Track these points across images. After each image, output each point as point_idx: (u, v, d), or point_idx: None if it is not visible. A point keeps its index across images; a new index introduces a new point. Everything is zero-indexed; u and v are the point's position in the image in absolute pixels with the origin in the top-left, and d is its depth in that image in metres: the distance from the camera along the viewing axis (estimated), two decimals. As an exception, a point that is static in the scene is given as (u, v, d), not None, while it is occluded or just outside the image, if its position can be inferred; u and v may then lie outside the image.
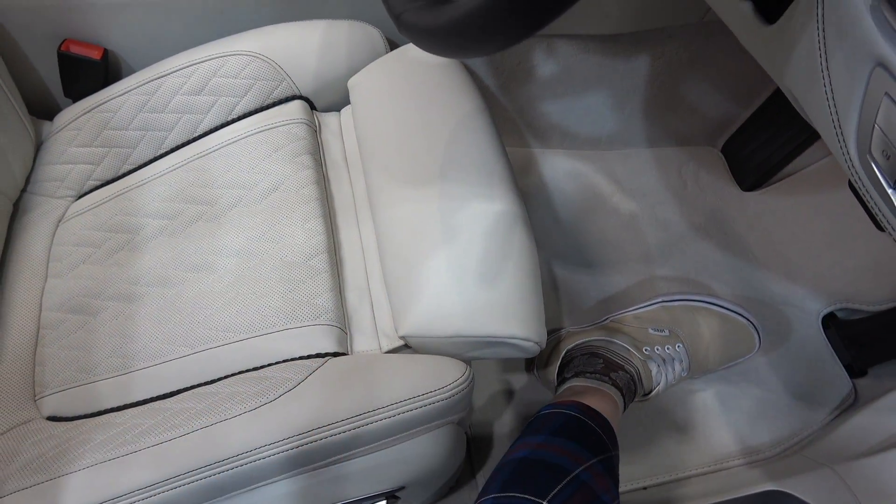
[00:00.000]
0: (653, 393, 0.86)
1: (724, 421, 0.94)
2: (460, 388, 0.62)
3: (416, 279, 0.66)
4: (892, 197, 0.40)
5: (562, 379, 0.86)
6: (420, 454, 0.66)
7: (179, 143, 0.85)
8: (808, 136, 1.03)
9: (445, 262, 0.66)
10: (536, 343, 0.65)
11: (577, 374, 0.83)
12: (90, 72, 0.86)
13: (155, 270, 0.75)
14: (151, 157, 0.85)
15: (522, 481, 0.59)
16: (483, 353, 0.67)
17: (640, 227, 1.11)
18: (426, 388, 0.61)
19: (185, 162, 0.82)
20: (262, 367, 0.67)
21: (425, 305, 0.65)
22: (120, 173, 0.85)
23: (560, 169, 1.16)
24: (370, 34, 0.87)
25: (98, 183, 0.85)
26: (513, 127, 1.14)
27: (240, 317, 0.69)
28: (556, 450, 0.63)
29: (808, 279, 1.04)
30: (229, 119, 0.84)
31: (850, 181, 0.47)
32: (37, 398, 0.70)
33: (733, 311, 0.94)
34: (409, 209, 0.70)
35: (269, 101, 0.85)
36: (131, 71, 0.90)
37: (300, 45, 0.84)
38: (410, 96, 0.79)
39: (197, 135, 0.85)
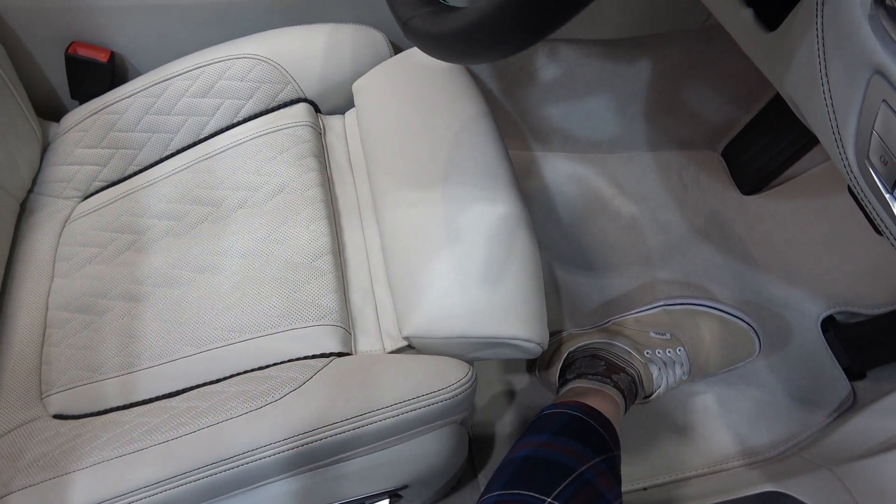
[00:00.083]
0: (653, 395, 0.87)
1: (723, 423, 0.95)
2: (463, 388, 0.63)
3: (420, 280, 0.67)
4: (890, 201, 0.41)
5: (563, 380, 0.86)
6: (423, 453, 0.67)
7: (185, 144, 0.85)
8: (807, 140, 1.03)
9: (449, 264, 0.66)
10: (539, 344, 0.66)
11: (579, 376, 0.84)
12: (97, 74, 0.87)
13: (161, 271, 0.76)
14: (157, 158, 0.86)
15: (527, 479, 0.60)
16: (486, 354, 0.68)
17: (641, 229, 1.12)
18: (430, 388, 0.62)
19: (190, 163, 0.83)
20: (266, 366, 0.68)
21: (429, 306, 0.65)
22: (126, 174, 0.86)
23: (562, 172, 1.17)
24: (374, 38, 0.88)
25: (104, 184, 0.86)
26: (515, 130, 1.14)
27: (245, 317, 0.70)
28: (560, 449, 0.63)
29: (807, 282, 1.05)
30: (235, 121, 0.85)
31: (849, 186, 0.48)
32: (43, 396, 0.70)
33: (734, 316, 0.94)
34: (413, 211, 0.71)
35: (275, 104, 0.85)
36: (138, 73, 0.90)
37: (305, 49, 0.85)
38: (414, 100, 0.80)
39: (203, 137, 0.85)
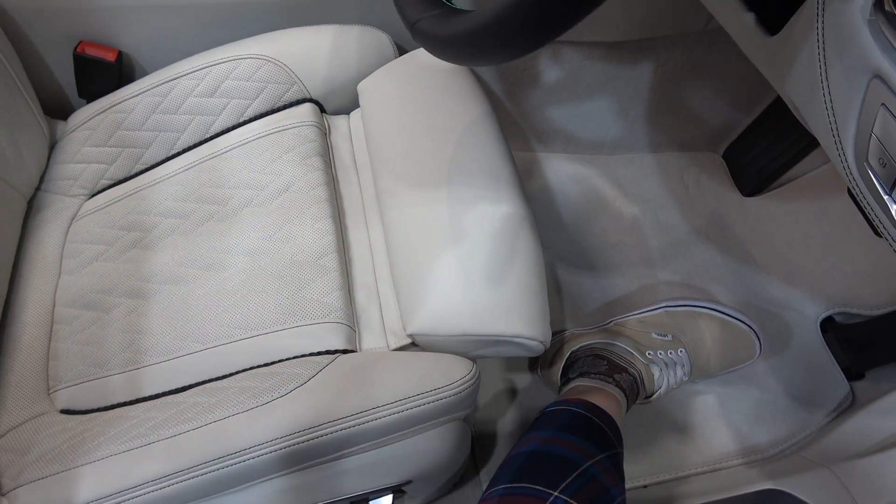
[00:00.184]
0: (655, 395, 0.88)
1: (723, 422, 0.95)
2: (467, 385, 0.64)
3: (424, 279, 0.67)
4: (888, 203, 0.41)
5: (566, 379, 0.87)
6: (427, 449, 0.68)
7: (192, 143, 0.86)
8: (807, 143, 1.04)
9: (453, 263, 0.67)
10: (541, 342, 0.66)
11: (581, 375, 0.85)
12: (104, 73, 0.88)
13: (167, 268, 0.77)
14: (164, 157, 0.86)
15: (533, 473, 0.60)
16: (489, 352, 0.69)
17: (643, 230, 1.12)
18: (434, 385, 0.63)
19: (197, 162, 0.84)
20: (272, 363, 0.68)
21: (433, 304, 0.66)
22: (132, 173, 0.87)
23: (564, 173, 1.18)
24: (380, 39, 0.88)
25: (111, 182, 0.87)
26: (518, 131, 1.15)
27: (250, 314, 0.71)
28: (565, 444, 0.64)
29: (807, 283, 1.06)
30: (241, 121, 0.86)
31: (848, 188, 0.48)
32: (51, 392, 0.71)
33: (735, 318, 0.95)
34: (418, 211, 0.72)
35: (281, 104, 0.86)
36: (145, 73, 0.91)
37: (311, 50, 0.86)
38: (419, 100, 0.81)
39: (209, 136, 0.86)
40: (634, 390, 0.84)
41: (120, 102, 0.86)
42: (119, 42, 0.88)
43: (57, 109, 0.93)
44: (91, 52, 0.86)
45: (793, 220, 1.10)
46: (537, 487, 0.58)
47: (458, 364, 0.65)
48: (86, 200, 0.86)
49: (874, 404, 0.85)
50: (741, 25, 0.56)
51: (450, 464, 0.73)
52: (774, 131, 1.10)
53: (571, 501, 0.57)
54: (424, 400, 0.62)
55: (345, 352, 0.68)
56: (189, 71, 0.85)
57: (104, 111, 0.86)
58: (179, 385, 0.69)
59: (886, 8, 0.39)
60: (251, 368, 0.69)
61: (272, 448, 0.60)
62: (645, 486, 0.89)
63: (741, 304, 1.05)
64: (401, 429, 0.64)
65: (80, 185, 0.86)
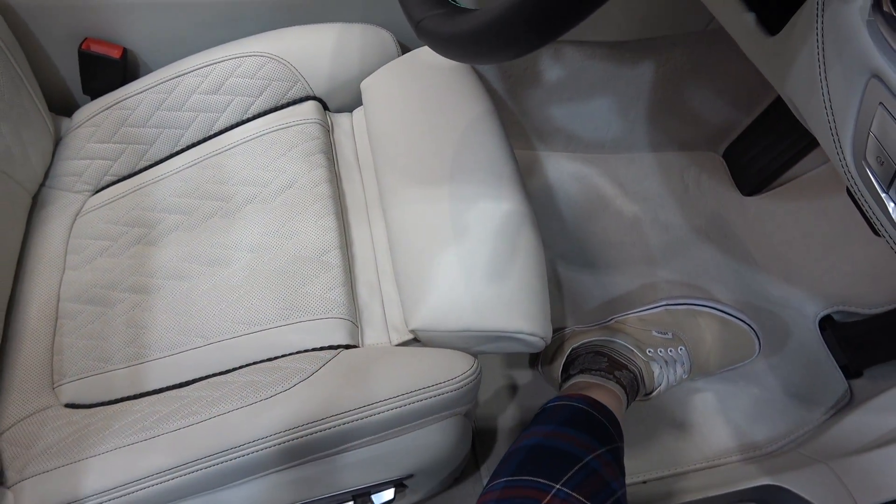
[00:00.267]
0: (654, 393, 0.88)
1: (722, 419, 0.96)
2: (468, 380, 0.64)
3: (426, 275, 0.68)
4: (885, 200, 0.42)
5: (566, 376, 0.88)
6: (429, 443, 0.68)
7: (195, 140, 0.87)
8: (807, 143, 1.04)
9: (455, 259, 0.68)
10: (542, 338, 0.67)
11: (582, 371, 0.85)
12: (109, 70, 0.88)
13: (171, 264, 0.77)
14: (168, 153, 0.87)
15: (535, 466, 0.61)
16: (490, 348, 0.69)
17: (643, 229, 1.13)
18: (436, 380, 0.63)
19: (200, 159, 0.84)
20: (275, 358, 0.69)
21: (436, 300, 0.67)
22: (136, 169, 0.87)
23: (565, 171, 1.18)
24: (382, 37, 0.89)
25: (115, 178, 0.87)
26: (519, 130, 1.16)
27: (254, 309, 0.71)
28: (566, 438, 0.65)
29: (806, 282, 1.06)
30: (245, 118, 0.86)
31: (847, 188, 0.49)
32: (55, 386, 0.71)
33: (735, 317, 0.96)
34: (420, 208, 0.72)
35: (284, 102, 0.87)
36: (149, 70, 0.92)
37: (314, 48, 0.86)
38: (421, 98, 0.81)
39: (213, 133, 0.86)
40: (634, 387, 0.85)
41: (124, 99, 0.86)
42: (124, 39, 0.88)
43: (61, 106, 0.93)
44: (96, 49, 0.87)
45: (792, 219, 1.11)
46: (539, 480, 0.59)
47: (460, 359, 0.66)
48: (90, 196, 0.87)
49: (872, 402, 0.86)
50: (742, 25, 0.56)
51: (451, 458, 0.73)
52: (774, 131, 1.10)
53: (573, 494, 0.57)
54: (426, 395, 0.63)
55: (347, 347, 0.69)
56: (193, 68, 0.85)
57: (108, 108, 0.86)
58: (183, 380, 0.70)
59: (885, 9, 0.39)
60: (254, 363, 0.69)
61: (275, 441, 0.61)
62: (644, 482, 0.90)
63: (741, 302, 1.06)
64: (402, 423, 0.64)
65: (84, 182, 0.86)
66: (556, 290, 1.06)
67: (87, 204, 0.86)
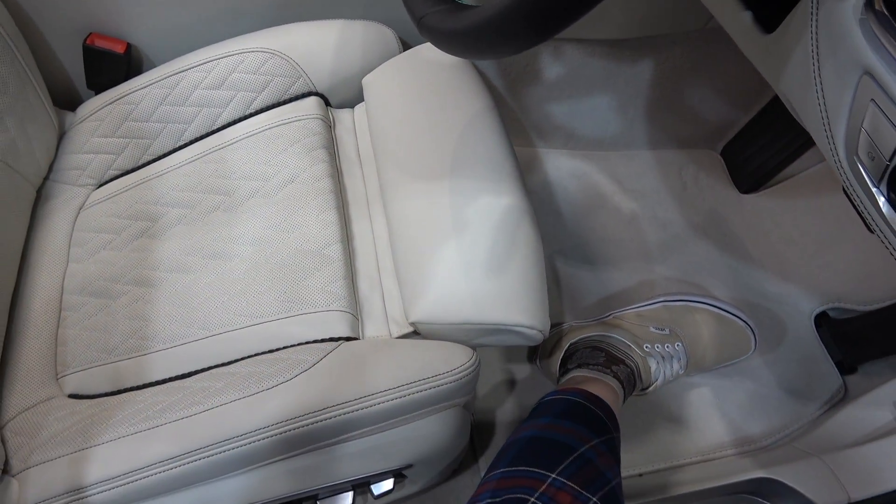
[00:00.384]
0: (651, 388, 0.89)
1: (718, 413, 0.97)
2: (467, 371, 0.65)
3: (427, 268, 0.69)
4: (876, 195, 0.43)
5: (564, 370, 0.89)
6: (428, 434, 0.69)
7: (198, 135, 0.87)
8: (804, 141, 1.05)
9: (455, 253, 0.68)
10: (540, 331, 0.68)
11: (579, 366, 0.86)
12: (113, 65, 0.89)
13: (173, 257, 0.78)
14: (171, 148, 0.88)
15: (531, 457, 0.62)
16: (489, 340, 0.70)
17: (641, 226, 1.14)
18: (435, 371, 0.64)
19: (203, 154, 0.85)
20: (277, 349, 0.70)
21: (435, 293, 0.67)
22: (140, 163, 0.88)
23: (564, 168, 1.19)
24: (384, 34, 0.89)
25: (118, 172, 0.88)
26: (519, 127, 1.16)
27: (255, 302, 0.72)
28: (561, 430, 0.66)
29: (801, 279, 1.07)
30: (247, 113, 0.87)
31: (843, 186, 0.50)
32: (59, 377, 0.72)
33: (732, 314, 0.97)
34: (421, 202, 0.73)
35: (286, 97, 0.87)
36: (153, 65, 0.92)
37: (317, 44, 0.87)
38: (422, 95, 0.82)
39: (216, 128, 0.87)
40: (631, 382, 0.86)
41: (128, 94, 0.87)
42: (128, 34, 0.89)
43: (66, 100, 0.94)
44: (100, 44, 0.87)
45: (789, 217, 1.12)
46: (535, 470, 0.60)
47: (459, 351, 0.67)
48: (94, 190, 0.87)
49: (865, 397, 0.87)
50: (739, 24, 0.57)
51: (450, 449, 0.74)
52: (772, 129, 1.11)
53: (568, 483, 0.58)
54: (425, 386, 0.64)
55: (348, 339, 0.69)
56: (196, 64, 0.86)
57: (112, 102, 0.87)
58: (186, 371, 0.71)
59: (877, 7, 0.40)
60: (256, 355, 0.70)
61: (276, 431, 0.62)
62: (640, 475, 0.91)
63: (737, 299, 1.06)
64: (402, 413, 0.65)
65: (88, 175, 0.87)
66: (555, 286, 1.06)
67: (90, 197, 0.86)
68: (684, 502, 0.88)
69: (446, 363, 0.65)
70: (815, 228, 1.08)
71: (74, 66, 0.91)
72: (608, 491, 0.59)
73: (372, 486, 0.75)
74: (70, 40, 0.88)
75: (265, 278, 0.73)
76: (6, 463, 0.64)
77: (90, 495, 0.61)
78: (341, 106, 0.92)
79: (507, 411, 0.96)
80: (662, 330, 0.93)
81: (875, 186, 0.43)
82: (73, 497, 0.61)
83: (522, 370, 1.00)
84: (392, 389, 0.63)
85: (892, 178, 0.41)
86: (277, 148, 0.82)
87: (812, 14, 0.45)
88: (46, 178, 0.87)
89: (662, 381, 0.89)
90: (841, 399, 0.97)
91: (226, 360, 0.71)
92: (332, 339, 0.69)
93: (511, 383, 0.99)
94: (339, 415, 0.62)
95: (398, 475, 0.75)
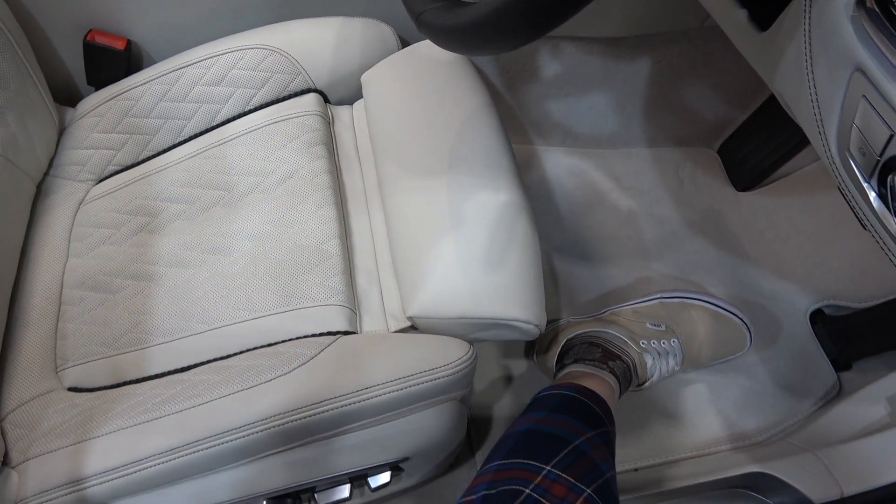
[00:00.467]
0: (647, 384, 0.90)
1: (713, 409, 0.98)
2: (464, 365, 0.66)
3: (424, 263, 0.69)
4: (867, 189, 0.43)
5: (561, 365, 0.89)
6: (425, 427, 0.70)
7: (198, 131, 0.88)
8: (800, 139, 1.05)
9: (453, 248, 0.69)
10: (536, 326, 0.68)
11: (576, 361, 0.87)
12: (113, 61, 0.89)
13: (173, 252, 0.78)
14: (171, 144, 0.88)
15: (526, 450, 0.62)
16: (486, 335, 0.71)
17: (638, 223, 1.14)
18: (432, 365, 0.65)
19: (203, 149, 0.85)
20: (275, 343, 0.70)
21: (433, 288, 0.68)
22: (140, 159, 0.88)
23: (562, 166, 1.20)
24: (383, 31, 0.90)
25: (118, 168, 0.88)
26: (517, 124, 1.17)
27: (254, 296, 0.72)
28: (556, 423, 0.66)
29: (797, 276, 1.08)
30: (246, 109, 0.87)
31: (836, 182, 0.51)
32: (58, 370, 0.72)
33: (728, 311, 0.97)
34: (419, 198, 0.74)
35: (285, 94, 0.88)
36: (153, 62, 0.93)
37: (316, 41, 0.87)
38: (421, 92, 0.82)
39: (215, 124, 0.88)
40: (627, 377, 0.87)
41: (128, 90, 0.87)
42: (128, 31, 0.89)
43: (66, 96, 0.95)
44: (100, 40, 0.88)
45: (785, 215, 1.12)
46: (530, 462, 0.60)
47: (456, 346, 0.67)
48: (94, 185, 0.88)
49: (859, 393, 0.88)
50: (734, 21, 0.58)
51: (446, 442, 0.75)
52: (768, 128, 1.12)
53: (562, 475, 0.59)
54: (422, 379, 0.64)
55: (346, 333, 0.70)
56: (196, 60, 0.86)
57: (112, 98, 0.87)
58: (184, 364, 0.71)
59: (868, 5, 0.41)
60: (254, 349, 0.71)
61: (275, 424, 0.62)
62: (636, 470, 0.91)
63: (733, 296, 1.07)
64: (399, 406, 0.66)
65: (88, 171, 0.87)
66: (552, 283, 1.07)
67: (90, 193, 0.87)
68: (679, 496, 0.88)
69: (443, 357, 0.65)
70: (810, 226, 1.09)
71: (75, 63, 0.92)
72: (602, 483, 0.60)
73: (369, 479, 0.75)
74: (71, 37, 0.88)
75: (264, 273, 0.74)
76: (6, 454, 0.64)
77: (89, 486, 0.61)
78: (340, 103, 0.92)
79: (504, 406, 0.97)
80: (659, 326, 0.94)
81: (866, 181, 0.43)
82: (72, 488, 0.61)
83: (519, 366, 1.00)
84: (389, 382, 0.64)
85: (883, 172, 0.42)
86: (276, 144, 0.83)
87: (805, 12, 0.46)
88: (46, 174, 0.87)
89: (658, 376, 0.90)
90: (835, 395, 0.98)
91: (224, 354, 0.71)
92: (329, 334, 0.69)
93: (508, 379, 0.99)
94: (337, 407, 0.63)
95: (395, 468, 0.76)
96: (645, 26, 1.01)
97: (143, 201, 0.83)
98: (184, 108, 0.87)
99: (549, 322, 0.98)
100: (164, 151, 0.88)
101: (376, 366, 0.65)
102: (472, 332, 0.70)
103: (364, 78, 0.89)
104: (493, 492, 0.59)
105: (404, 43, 0.93)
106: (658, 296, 0.99)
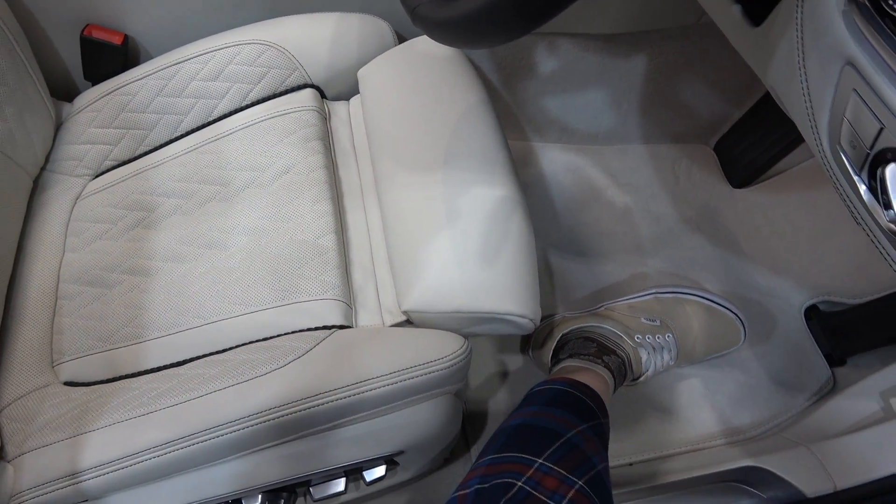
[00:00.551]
0: (642, 378, 0.90)
1: (708, 404, 0.98)
2: (458, 359, 0.66)
3: (420, 257, 0.70)
4: (857, 182, 0.44)
5: (556, 360, 0.90)
6: (419, 420, 0.70)
7: (195, 126, 0.88)
8: (795, 136, 1.06)
9: (448, 243, 0.69)
10: (531, 320, 0.69)
11: (571, 356, 0.87)
12: (111, 56, 0.89)
13: (169, 247, 0.79)
14: (167, 139, 0.88)
15: (518, 444, 0.63)
16: (481, 329, 0.71)
17: (634, 219, 1.15)
18: (427, 359, 0.65)
19: (199, 144, 0.85)
20: (271, 337, 0.71)
21: (428, 282, 0.68)
22: (136, 154, 0.88)
23: (558, 162, 1.20)
24: (380, 27, 0.90)
25: (115, 163, 0.88)
26: (514, 121, 1.17)
27: (250, 291, 0.73)
28: (549, 417, 0.67)
29: (792, 272, 1.08)
30: (243, 105, 0.87)
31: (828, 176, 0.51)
32: (54, 364, 0.73)
33: (722, 306, 0.98)
34: (415, 193, 0.74)
35: (282, 89, 0.88)
36: (150, 57, 0.93)
37: (313, 36, 0.87)
38: (417, 87, 0.83)
39: (212, 119, 0.88)
40: (622, 372, 0.87)
41: (125, 85, 0.87)
42: (125, 26, 0.89)
43: (63, 91, 0.95)
44: (98, 35, 0.88)
45: (780, 211, 1.13)
46: (523, 456, 0.61)
47: (451, 340, 0.67)
48: (90, 180, 0.88)
49: (852, 387, 0.88)
50: (728, 17, 0.58)
51: (441, 435, 0.75)
52: (764, 125, 1.12)
53: (554, 468, 0.59)
54: (417, 373, 0.65)
55: (341, 327, 0.70)
56: (193, 55, 0.86)
57: (109, 93, 0.87)
58: (180, 358, 0.71)
59: (859, -1, 0.41)
60: (250, 343, 0.71)
61: (270, 417, 0.62)
62: (630, 464, 0.92)
63: (729, 292, 1.07)
64: (394, 400, 0.66)
65: (84, 166, 0.87)
66: (548, 279, 1.07)
67: (87, 188, 0.87)
68: (673, 490, 0.89)
69: (438, 351, 0.66)
70: (806, 223, 1.09)
71: (72, 58, 0.91)
72: (594, 475, 0.60)
73: (364, 473, 0.76)
74: (68, 31, 0.88)
75: (260, 268, 0.74)
76: (2, 448, 0.65)
77: (85, 480, 0.61)
78: (337, 98, 0.93)
79: (499, 401, 0.97)
80: (653, 321, 0.94)
81: (856, 174, 0.44)
82: (68, 482, 0.61)
83: (515, 361, 1.01)
84: (384, 376, 0.64)
85: (873, 165, 0.42)
86: (273, 139, 0.83)
87: (797, 6, 0.46)
88: (43, 169, 0.87)
89: (653, 371, 0.90)
90: (830, 391, 0.98)
91: (220, 348, 0.71)
92: (325, 328, 0.70)
93: (504, 374, 1.00)
94: (332, 401, 0.63)
95: (390, 462, 0.76)
96: (641, 23, 1.01)
97: (139, 196, 0.83)
98: (181, 103, 0.87)
99: (544, 317, 0.98)
100: (161, 147, 0.88)
101: (371, 359, 0.65)
102: (467, 327, 0.70)
103: (361, 73, 0.89)
104: (486, 485, 0.59)
105: (401, 38, 0.93)
106: (653, 291, 0.99)
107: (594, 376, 0.80)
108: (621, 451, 0.93)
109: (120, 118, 0.87)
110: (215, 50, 0.86)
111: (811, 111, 0.47)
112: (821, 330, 1.03)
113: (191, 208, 0.81)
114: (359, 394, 0.63)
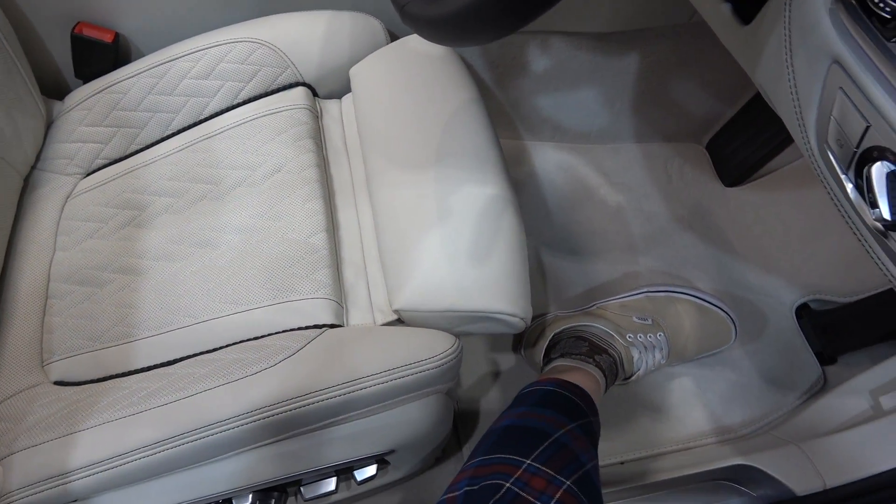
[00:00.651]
0: (633, 377, 0.90)
1: (699, 403, 0.98)
2: (449, 358, 0.66)
3: (411, 256, 0.70)
4: (845, 181, 0.44)
5: (548, 359, 0.90)
6: (410, 419, 0.70)
7: (186, 124, 0.88)
8: (787, 135, 1.06)
9: (439, 241, 0.69)
10: (522, 319, 0.69)
11: (563, 355, 0.87)
12: (102, 54, 0.89)
13: (160, 246, 0.78)
14: (158, 137, 0.88)
15: (507, 445, 0.63)
16: (472, 328, 0.71)
17: (626, 218, 1.15)
18: (417, 357, 0.65)
19: (191, 143, 0.85)
20: (262, 336, 0.70)
21: (420, 281, 0.68)
22: (127, 152, 0.88)
23: (551, 161, 1.20)
24: (371, 25, 0.90)
25: (106, 161, 0.88)
26: (506, 120, 1.17)
27: (241, 290, 0.73)
28: (537, 417, 0.67)
29: (783, 271, 1.08)
30: (235, 103, 0.87)
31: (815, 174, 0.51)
32: (44, 364, 0.73)
33: (713, 305, 0.98)
34: (406, 191, 0.74)
35: (274, 87, 0.88)
36: (141, 55, 0.92)
37: (305, 35, 0.87)
38: (409, 85, 0.83)
39: (203, 117, 0.88)
40: (614, 371, 0.87)
41: (116, 83, 0.87)
42: (116, 24, 0.89)
43: (54, 89, 0.94)
44: (88, 33, 0.87)
45: (772, 210, 1.13)
46: (511, 457, 0.61)
47: (442, 339, 0.67)
48: (81, 179, 0.88)
49: (842, 386, 0.88)
50: (718, 16, 0.58)
51: (432, 435, 0.75)
52: (756, 124, 1.12)
53: (542, 468, 0.59)
54: (408, 371, 0.64)
55: (332, 326, 0.70)
56: (185, 53, 0.86)
57: (100, 92, 0.87)
58: (171, 358, 0.71)
59: (845, -2, 0.41)
60: (241, 342, 0.71)
61: (260, 416, 0.62)
62: (622, 463, 0.92)
63: (720, 291, 1.08)
64: (385, 399, 0.66)
65: (75, 164, 0.87)
66: (540, 277, 1.07)
67: (77, 186, 0.87)
68: (664, 489, 0.89)
69: (429, 350, 0.66)
70: (797, 221, 1.10)
71: (62, 56, 0.91)
72: (583, 474, 0.60)
73: (355, 472, 0.76)
74: (58, 29, 0.88)
75: (251, 266, 0.74)
76: (-9, 448, 0.65)
77: (75, 480, 0.61)
78: (329, 96, 0.93)
79: (491, 400, 0.97)
80: (645, 320, 0.94)
81: (843, 173, 0.44)
82: (57, 482, 0.61)
83: (507, 360, 1.01)
84: (375, 375, 0.64)
85: (860, 164, 0.42)
86: (264, 137, 0.83)
87: (786, 5, 0.46)
88: (34, 167, 0.87)
89: (644, 370, 0.90)
90: (820, 389, 0.99)
91: (211, 347, 0.71)
92: (316, 327, 0.70)
93: (496, 373, 1.00)
94: (323, 400, 0.63)
95: (381, 461, 0.76)
96: (634, 22, 1.01)
97: (130, 195, 0.83)
98: (172, 101, 0.87)
99: (536, 316, 0.98)
100: (152, 145, 0.88)
101: (362, 358, 0.65)
102: (459, 326, 0.70)
103: (353, 72, 0.89)
104: (475, 487, 0.59)
105: (393, 37, 0.93)
106: (645, 290, 0.99)
107: (585, 376, 0.81)
108: (613, 450, 0.93)
109: (111, 116, 0.87)
110: (207, 48, 0.86)
111: (799, 109, 0.47)
112: (811, 328, 1.04)
113: (182, 207, 0.81)
114: (349, 393, 0.63)
